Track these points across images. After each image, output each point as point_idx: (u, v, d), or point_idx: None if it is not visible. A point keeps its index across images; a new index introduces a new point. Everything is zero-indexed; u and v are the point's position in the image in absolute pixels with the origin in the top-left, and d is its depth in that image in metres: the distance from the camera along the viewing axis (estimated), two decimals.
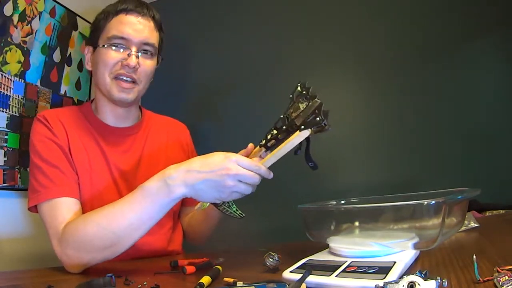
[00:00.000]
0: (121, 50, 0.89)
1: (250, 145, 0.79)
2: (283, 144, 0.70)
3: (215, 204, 0.75)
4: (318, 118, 0.67)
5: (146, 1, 0.96)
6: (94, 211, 0.74)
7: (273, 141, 0.73)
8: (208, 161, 0.68)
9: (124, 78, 0.90)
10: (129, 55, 0.89)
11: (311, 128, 0.68)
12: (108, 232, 0.69)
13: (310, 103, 0.69)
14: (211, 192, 0.68)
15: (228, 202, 0.74)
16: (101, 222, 0.70)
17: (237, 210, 0.74)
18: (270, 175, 0.70)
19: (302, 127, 0.68)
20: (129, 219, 0.69)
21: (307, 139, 0.70)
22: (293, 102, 0.73)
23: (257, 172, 0.68)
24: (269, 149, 0.75)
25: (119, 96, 0.91)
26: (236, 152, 0.74)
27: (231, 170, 0.66)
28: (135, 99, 0.93)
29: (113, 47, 0.89)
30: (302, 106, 0.71)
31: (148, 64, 0.93)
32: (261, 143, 0.76)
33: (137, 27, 0.90)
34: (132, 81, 0.91)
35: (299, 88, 0.74)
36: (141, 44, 0.90)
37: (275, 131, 0.73)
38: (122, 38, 0.88)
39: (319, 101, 0.68)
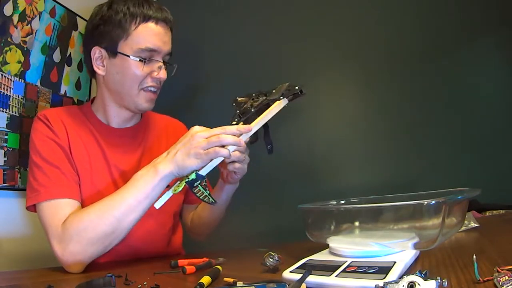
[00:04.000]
0: (149, 61, 0.88)
1: None
2: (265, 113, 0.79)
3: (190, 186, 0.74)
4: (296, 87, 0.79)
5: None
6: (94, 203, 0.78)
7: (241, 123, 0.80)
8: (179, 140, 0.78)
9: (153, 90, 0.91)
10: (159, 68, 0.89)
11: (287, 97, 0.79)
12: (110, 217, 0.75)
13: (279, 85, 0.83)
14: (189, 159, 0.73)
15: (204, 181, 0.75)
16: (103, 208, 0.76)
17: (210, 195, 0.76)
18: (244, 129, 0.76)
19: (281, 98, 0.79)
20: (127, 200, 0.76)
21: (266, 126, 0.81)
22: (243, 102, 0.85)
23: (223, 126, 0.75)
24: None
25: (146, 106, 0.92)
26: None
27: (194, 132, 0.75)
28: None
29: (144, 60, 0.87)
30: (261, 98, 0.83)
31: (167, 73, 0.94)
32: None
33: (165, 39, 0.90)
34: (156, 90, 0.93)
35: (240, 99, 0.88)
36: (165, 55, 0.91)
37: (237, 119, 0.81)
38: (153, 50, 0.88)
39: (287, 83, 0.81)
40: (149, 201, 0.77)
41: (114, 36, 0.87)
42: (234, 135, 0.75)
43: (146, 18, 0.86)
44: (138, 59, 0.86)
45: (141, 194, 0.76)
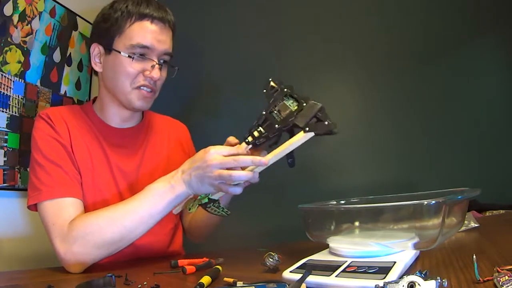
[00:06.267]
0: (142, 59, 0.88)
1: (231, 138, 0.81)
2: (286, 144, 0.72)
3: (204, 207, 0.78)
4: (327, 123, 0.69)
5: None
6: (104, 208, 0.78)
7: (262, 139, 0.74)
8: (194, 159, 0.76)
9: (146, 89, 0.90)
10: (152, 67, 0.88)
11: (315, 132, 0.70)
12: (120, 226, 0.75)
13: (308, 104, 0.72)
14: (205, 185, 0.74)
15: (217, 203, 0.78)
16: (114, 216, 0.76)
17: (223, 209, 0.79)
18: (259, 162, 0.72)
19: (307, 129, 0.70)
20: (140, 213, 0.76)
21: (292, 136, 0.73)
22: (274, 99, 0.76)
23: (237, 157, 0.72)
24: (257, 146, 0.76)
25: (139, 105, 0.91)
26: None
27: (212, 161, 0.72)
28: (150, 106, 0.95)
29: (136, 57, 0.87)
30: (289, 104, 0.74)
31: (164, 74, 0.93)
32: (247, 140, 0.75)
33: (160, 38, 0.88)
34: (151, 90, 0.91)
35: (273, 84, 0.78)
36: (161, 54, 0.90)
37: (262, 129, 0.74)
38: (146, 47, 0.87)
39: (320, 104, 0.71)
40: (161, 216, 0.78)
41: (110, 33, 0.88)
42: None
43: (141, 16, 0.87)
44: (127, 55, 0.86)
45: (154, 209, 0.76)
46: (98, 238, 0.74)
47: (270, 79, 0.79)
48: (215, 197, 0.77)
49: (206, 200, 0.77)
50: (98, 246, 0.74)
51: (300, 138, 0.71)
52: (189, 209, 0.79)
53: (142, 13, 0.87)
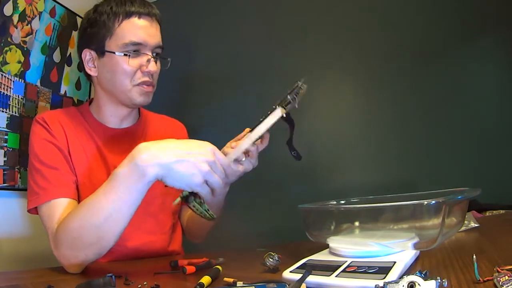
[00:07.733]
0: (137, 55, 0.88)
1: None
2: (259, 125, 0.74)
3: (186, 201, 0.71)
4: (289, 96, 0.70)
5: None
6: (79, 205, 0.73)
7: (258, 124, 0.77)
8: (187, 143, 0.68)
9: (146, 84, 0.90)
10: (148, 61, 0.88)
11: (282, 106, 0.71)
12: (90, 226, 0.68)
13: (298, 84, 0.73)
14: (184, 176, 0.65)
15: (200, 200, 0.71)
16: (83, 215, 0.69)
17: (208, 211, 0.72)
18: (236, 167, 0.75)
19: (274, 107, 0.72)
20: (108, 210, 0.67)
21: (292, 128, 0.74)
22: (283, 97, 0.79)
23: (226, 168, 0.70)
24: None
25: (141, 100, 0.91)
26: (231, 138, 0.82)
27: (208, 156, 0.66)
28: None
29: (131, 54, 0.87)
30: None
31: (159, 66, 0.93)
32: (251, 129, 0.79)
33: (151, 32, 0.89)
34: (150, 84, 0.91)
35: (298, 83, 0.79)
36: (154, 48, 0.90)
37: (261, 119, 0.77)
38: (139, 44, 0.87)
39: (297, 83, 0.72)
40: (134, 208, 0.68)
41: (100, 36, 0.88)
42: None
43: (128, 14, 0.87)
44: (123, 54, 0.86)
45: (124, 204, 0.67)
46: (77, 241, 0.70)
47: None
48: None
49: (186, 193, 0.70)
50: (81, 248, 0.70)
51: (268, 117, 0.72)
52: (173, 202, 0.72)
53: (129, 11, 0.87)
